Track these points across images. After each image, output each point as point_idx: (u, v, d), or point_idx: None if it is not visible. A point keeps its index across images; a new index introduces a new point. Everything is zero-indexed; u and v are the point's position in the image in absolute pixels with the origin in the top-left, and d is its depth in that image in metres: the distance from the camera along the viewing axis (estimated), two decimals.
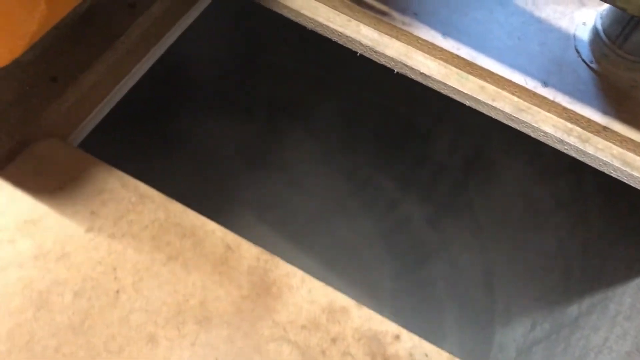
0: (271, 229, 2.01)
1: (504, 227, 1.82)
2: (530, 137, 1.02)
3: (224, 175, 2.07)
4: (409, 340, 0.77)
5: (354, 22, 1.02)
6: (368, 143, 2.16)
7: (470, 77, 1.00)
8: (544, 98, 0.99)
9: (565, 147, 0.99)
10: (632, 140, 0.97)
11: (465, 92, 0.99)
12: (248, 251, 0.76)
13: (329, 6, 1.03)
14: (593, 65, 1.04)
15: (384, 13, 1.00)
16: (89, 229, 0.75)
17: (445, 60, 1.01)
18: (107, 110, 0.95)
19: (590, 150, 0.98)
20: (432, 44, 1.00)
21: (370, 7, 1.01)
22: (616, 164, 0.97)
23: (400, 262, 2.07)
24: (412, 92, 1.94)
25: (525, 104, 1.00)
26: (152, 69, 1.04)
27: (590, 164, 1.00)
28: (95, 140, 0.97)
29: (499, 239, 1.84)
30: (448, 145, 2.03)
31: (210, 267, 0.75)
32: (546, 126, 0.99)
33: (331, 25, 1.01)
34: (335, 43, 1.04)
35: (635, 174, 0.96)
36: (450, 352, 1.91)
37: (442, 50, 1.00)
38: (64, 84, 0.85)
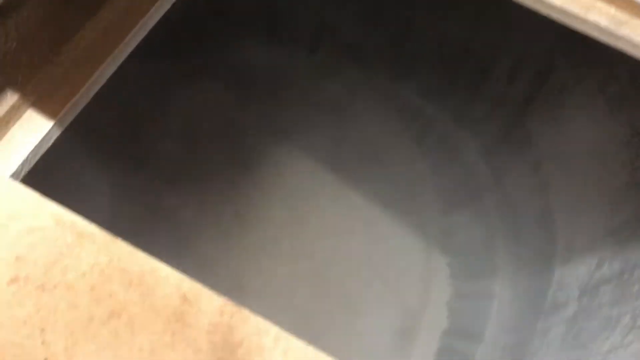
0: (320, 160, 1.92)
1: (567, 162, 1.70)
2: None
3: (271, 106, 1.97)
4: None
5: None
6: (419, 72, 2.01)
7: None
8: None
9: None
10: None
11: (555, 3, 0.78)
12: (209, 303, 0.62)
13: None
14: None
15: None
16: (13, 280, 0.62)
17: None
18: None
19: None
20: None
21: None
22: None
23: (451, 198, 1.99)
24: (469, 13, 1.79)
25: (625, 15, 0.79)
26: None
27: None
28: None
29: (562, 176, 1.71)
30: (507, 74, 1.86)
31: (162, 325, 0.61)
32: None
33: None
34: None
35: None
36: (502, 289, 1.80)
37: None
38: None
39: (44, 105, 0.81)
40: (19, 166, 0.80)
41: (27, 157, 0.81)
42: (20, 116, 0.84)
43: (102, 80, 0.87)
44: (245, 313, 0.61)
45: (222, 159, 1.85)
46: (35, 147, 0.82)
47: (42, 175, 0.89)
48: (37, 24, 0.80)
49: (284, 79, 2.00)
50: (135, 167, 1.78)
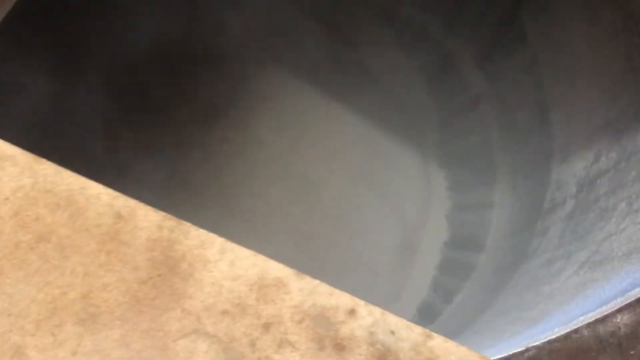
0: (310, 79, 1.87)
1: (562, 55, 1.63)
2: None
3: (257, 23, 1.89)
4: (369, 316, 0.58)
5: None
6: None
7: None
8: None
9: None
10: None
11: None
12: (146, 218, 0.57)
13: None
14: None
15: None
16: None
17: None
18: None
19: None
20: None
21: None
22: None
23: (446, 108, 1.94)
24: None
25: None
26: None
27: None
28: None
29: (557, 71, 1.66)
30: None
31: (95, 246, 0.56)
32: None
33: None
34: None
35: None
36: (501, 197, 1.78)
37: None
38: None
39: None
40: None
41: None
42: None
43: None
44: (187, 226, 0.56)
45: (205, 81, 1.78)
46: None
47: None
48: None
49: None
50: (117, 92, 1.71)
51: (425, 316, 1.80)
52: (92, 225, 0.56)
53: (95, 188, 0.57)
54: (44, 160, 0.57)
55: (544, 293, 1.11)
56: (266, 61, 1.86)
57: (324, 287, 0.57)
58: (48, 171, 0.58)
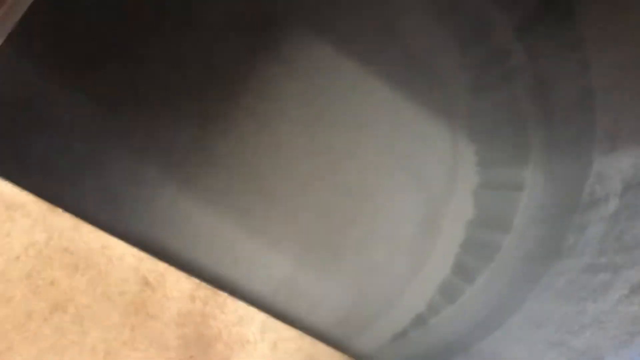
0: (335, 47, 1.82)
1: (613, 40, 1.55)
2: None
3: None
4: None
5: None
6: None
7: None
8: None
9: None
10: None
11: None
12: (176, 287, 0.49)
13: None
14: None
15: None
16: None
17: None
18: None
19: None
20: None
21: None
22: None
23: (479, 79, 1.87)
24: None
25: None
26: None
27: None
28: None
29: (606, 55, 1.59)
30: None
31: (119, 318, 0.48)
32: None
33: None
34: None
35: None
36: (533, 178, 1.74)
37: None
38: None
39: None
40: None
41: None
42: None
43: None
44: (223, 297, 0.49)
45: (227, 55, 1.70)
46: None
47: None
48: None
49: None
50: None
51: (447, 296, 1.79)
52: (115, 292, 0.49)
53: (118, 247, 0.49)
54: (60, 211, 0.49)
55: (589, 313, 1.04)
56: (293, 24, 1.78)
57: None
58: (65, 225, 0.49)
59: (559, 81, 1.72)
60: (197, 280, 0.45)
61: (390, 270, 1.78)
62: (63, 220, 0.48)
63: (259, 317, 0.45)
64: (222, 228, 1.63)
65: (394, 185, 1.83)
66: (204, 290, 0.46)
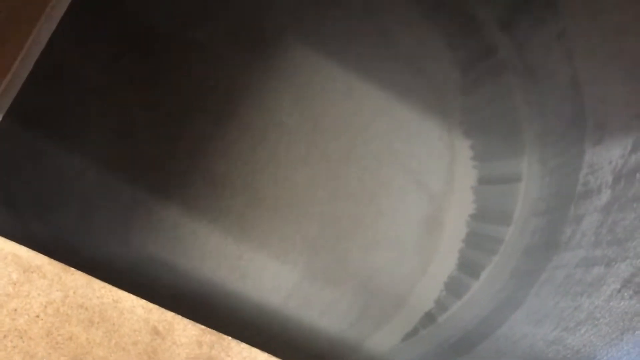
0: (328, 54, 1.83)
1: (595, 34, 1.56)
2: None
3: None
4: None
5: None
6: None
7: None
8: None
9: None
10: None
11: None
12: (184, 333, 0.53)
13: None
14: None
15: None
16: None
17: None
18: None
19: None
20: None
21: None
22: None
23: (470, 75, 1.89)
24: None
25: None
26: None
27: None
28: None
29: (589, 47, 1.60)
30: None
31: None
32: None
33: None
34: None
35: None
36: (529, 170, 1.75)
37: None
38: None
39: None
40: None
41: None
42: None
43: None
44: (227, 340, 0.53)
45: (221, 67, 1.73)
46: None
47: None
48: None
49: None
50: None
51: (453, 292, 1.81)
52: (128, 343, 0.53)
53: (128, 300, 0.54)
54: (73, 270, 0.54)
55: (585, 309, 1.07)
56: (284, 38, 1.80)
57: None
58: (78, 282, 0.54)
59: (547, 72, 1.73)
60: (202, 326, 0.50)
61: (397, 271, 1.81)
62: (76, 279, 0.52)
63: (261, 357, 0.49)
64: (227, 245, 1.67)
65: (394, 187, 1.86)
66: (210, 335, 0.50)
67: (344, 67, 1.81)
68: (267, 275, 1.67)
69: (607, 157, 1.45)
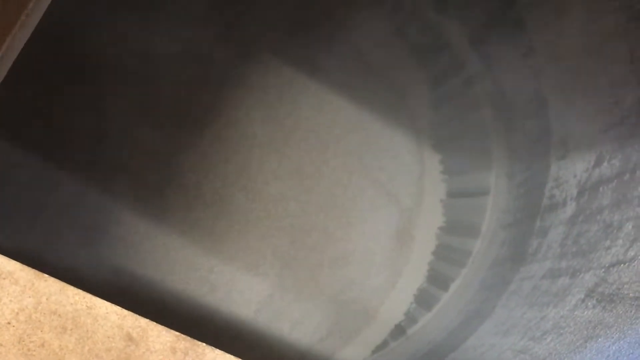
0: (299, 69, 1.84)
1: (560, 51, 1.59)
2: None
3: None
4: None
5: None
6: None
7: None
8: None
9: None
10: None
11: None
12: (159, 339, 0.53)
13: None
14: None
15: None
16: None
17: None
18: None
19: None
20: None
21: None
22: None
23: (440, 90, 1.90)
24: None
25: None
26: None
27: None
28: None
29: (555, 64, 1.62)
30: None
31: None
32: None
33: None
34: None
35: None
36: (497, 183, 1.75)
37: None
38: None
39: None
40: None
41: None
42: None
43: None
44: (202, 347, 0.53)
45: (192, 81, 1.72)
46: None
47: None
48: None
49: None
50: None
51: (423, 304, 1.82)
52: (102, 349, 0.53)
53: (102, 307, 0.54)
54: (46, 276, 0.53)
55: (550, 319, 1.09)
56: (255, 54, 1.81)
57: None
58: (52, 289, 0.54)
59: (514, 88, 1.76)
60: (176, 333, 0.50)
61: (368, 284, 1.82)
62: (49, 285, 0.52)
63: None
64: (197, 258, 1.66)
65: (365, 201, 1.87)
66: (184, 342, 0.51)
67: (316, 82, 1.82)
68: (238, 288, 1.66)
69: (572, 170, 1.47)
